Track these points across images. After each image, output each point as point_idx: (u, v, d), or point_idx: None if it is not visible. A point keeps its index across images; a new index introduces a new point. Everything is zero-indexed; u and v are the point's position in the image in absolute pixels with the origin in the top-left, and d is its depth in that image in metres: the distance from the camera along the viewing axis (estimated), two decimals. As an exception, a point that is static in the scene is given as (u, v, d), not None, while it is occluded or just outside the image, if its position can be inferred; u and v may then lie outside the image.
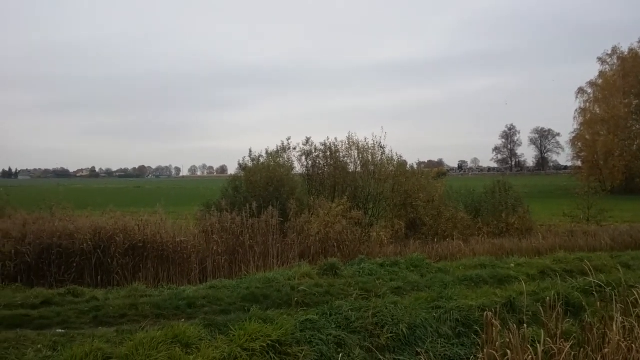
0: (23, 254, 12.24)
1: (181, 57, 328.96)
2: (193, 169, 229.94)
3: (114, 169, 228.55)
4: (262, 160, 20.00)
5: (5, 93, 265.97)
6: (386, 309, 7.50)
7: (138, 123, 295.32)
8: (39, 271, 12.32)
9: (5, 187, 27.27)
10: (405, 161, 21.58)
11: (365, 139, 20.56)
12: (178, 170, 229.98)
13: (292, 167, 20.34)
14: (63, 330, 7.09)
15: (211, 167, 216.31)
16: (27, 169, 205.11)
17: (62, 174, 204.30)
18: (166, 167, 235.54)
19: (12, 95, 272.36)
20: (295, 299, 8.57)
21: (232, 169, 25.44)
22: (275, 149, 20.27)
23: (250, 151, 20.22)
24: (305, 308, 7.99)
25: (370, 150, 20.37)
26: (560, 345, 5.68)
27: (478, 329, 6.98)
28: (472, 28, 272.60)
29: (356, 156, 20.39)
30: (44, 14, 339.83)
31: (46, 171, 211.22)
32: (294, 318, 7.10)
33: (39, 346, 6.10)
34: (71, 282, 11.55)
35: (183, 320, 7.42)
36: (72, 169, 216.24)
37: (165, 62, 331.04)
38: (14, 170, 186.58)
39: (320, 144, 20.19)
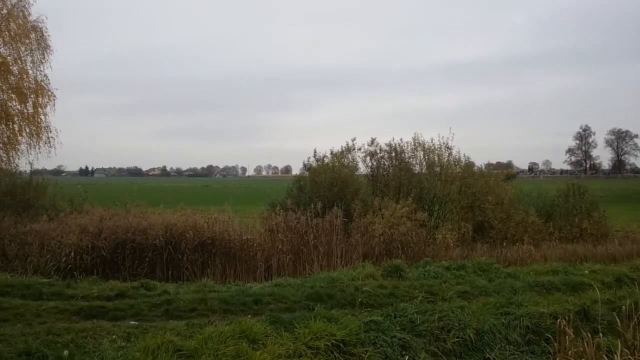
0: (99, 248, 12.85)
1: (249, 61, 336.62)
2: (258, 169, 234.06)
3: (184, 168, 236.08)
4: (326, 160, 20.08)
5: (83, 96, 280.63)
6: (453, 313, 7.34)
7: (207, 124, 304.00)
8: (114, 265, 12.90)
9: (82, 184, 28.74)
10: (473, 162, 21.04)
11: (432, 139, 20.23)
12: (244, 170, 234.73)
13: (356, 168, 20.30)
14: (136, 322, 7.37)
15: (276, 167, 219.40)
16: (102, 168, 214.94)
17: (135, 172, 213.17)
18: (233, 166, 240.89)
19: (90, 98, 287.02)
20: (360, 299, 8.54)
21: (296, 169, 25.71)
22: (339, 150, 20.30)
23: (315, 152, 20.36)
24: (369, 309, 7.95)
25: (436, 151, 20.02)
26: (638, 357, 5.37)
27: (550, 336, 6.73)
28: (544, 27, 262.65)
29: (422, 157, 20.09)
30: (117, 21, 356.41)
31: (120, 170, 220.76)
32: (358, 318, 7.07)
33: (113, 336, 6.36)
34: (143, 276, 12.02)
35: (249, 316, 7.54)
36: (144, 168, 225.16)
37: (233, 65, 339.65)
38: (90, 169, 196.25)
39: (385, 144, 20.03)
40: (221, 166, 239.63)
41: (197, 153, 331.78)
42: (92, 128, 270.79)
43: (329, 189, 18.25)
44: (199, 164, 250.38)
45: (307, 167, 20.73)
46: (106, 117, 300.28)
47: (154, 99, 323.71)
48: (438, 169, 20.05)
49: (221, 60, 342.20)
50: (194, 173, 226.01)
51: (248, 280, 12.76)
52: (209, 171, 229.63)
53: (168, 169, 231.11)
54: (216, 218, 14.64)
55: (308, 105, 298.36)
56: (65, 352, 5.56)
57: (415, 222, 15.87)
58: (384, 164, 19.97)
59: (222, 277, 12.99)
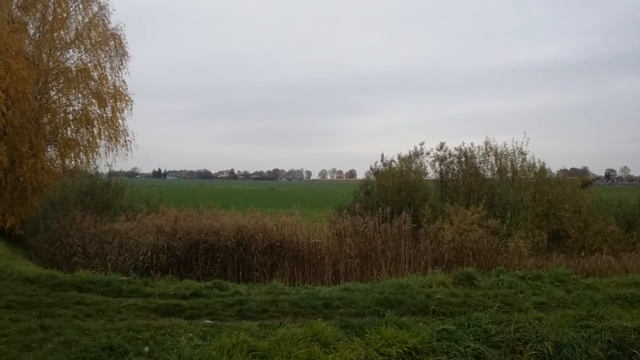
0: (174, 248, 13.33)
1: (314, 66, 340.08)
2: (323, 173, 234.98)
3: (251, 171, 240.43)
4: (394, 165, 19.90)
5: (156, 102, 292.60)
6: (529, 324, 7.08)
7: (273, 128, 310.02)
8: (188, 264, 13.33)
9: (157, 186, 29.87)
10: (548, 168, 20.18)
11: (505, 144, 19.60)
12: (309, 173, 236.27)
13: (424, 173, 19.97)
14: (211, 321, 7.56)
15: (340, 172, 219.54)
16: (174, 170, 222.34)
17: (204, 175, 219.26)
18: (298, 170, 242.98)
19: (162, 103, 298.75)
20: (432, 307, 8.39)
21: (360, 174, 25.68)
22: (407, 154, 20.06)
23: (382, 156, 20.21)
24: (441, 317, 7.78)
25: (509, 157, 19.38)
26: None
27: (635, 352, 6.39)
28: (621, 27, 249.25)
29: (493, 162, 19.50)
30: (186, 30, 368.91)
31: (191, 172, 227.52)
32: (430, 326, 6.95)
33: (190, 335, 6.54)
34: (215, 276, 12.34)
35: (320, 319, 7.57)
36: (213, 171, 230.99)
37: (297, 71, 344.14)
38: (163, 171, 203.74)
39: (455, 149, 19.57)
40: (286, 170, 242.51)
41: (264, 157, 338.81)
42: (165, 132, 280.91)
43: (396, 194, 18.06)
44: (265, 167, 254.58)
45: (374, 171, 20.63)
46: (178, 122, 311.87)
47: (222, 105, 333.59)
48: (510, 175, 19.41)
49: (286, 65, 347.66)
50: (260, 176, 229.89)
51: (316, 283, 12.83)
52: (275, 174, 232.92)
53: (235, 172, 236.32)
54: (284, 221, 14.84)
55: (375, 109, 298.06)
56: (146, 349, 5.77)
57: (487, 229, 15.43)
58: (454, 169, 19.54)
59: (291, 280, 13.14)
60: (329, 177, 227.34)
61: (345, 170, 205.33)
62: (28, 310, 7.63)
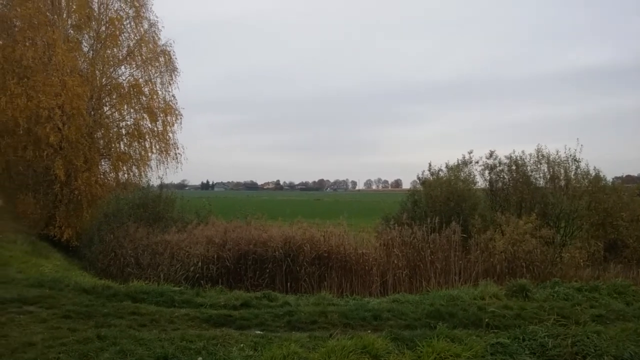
0: (224, 258, 13.52)
1: (359, 76, 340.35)
2: (368, 183, 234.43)
3: (296, 182, 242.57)
4: (441, 174, 19.64)
5: (203, 115, 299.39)
6: (588, 338, 6.78)
7: (318, 139, 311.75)
8: (237, 275, 13.50)
9: (206, 197, 30.45)
10: (603, 176, 19.43)
11: (557, 151, 19.03)
12: (354, 183, 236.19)
13: (473, 182, 19.62)
14: (261, 332, 7.60)
15: (386, 181, 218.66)
16: (221, 182, 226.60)
17: (251, 186, 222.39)
18: (343, 180, 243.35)
19: (209, 116, 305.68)
20: (486, 320, 8.19)
21: (406, 184, 25.47)
22: (455, 163, 19.76)
23: (430, 165, 20.01)
24: (494, 330, 7.58)
25: (562, 164, 18.78)
26: None
27: None
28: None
29: (546, 170, 18.94)
30: (231, 44, 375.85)
31: (238, 184, 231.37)
32: (484, 340, 6.76)
33: (241, 345, 6.58)
34: (264, 287, 12.45)
35: (369, 331, 7.50)
36: (259, 182, 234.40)
37: (342, 81, 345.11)
38: (211, 183, 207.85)
39: (505, 157, 19.14)
40: (332, 180, 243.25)
41: (309, 167, 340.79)
42: (212, 144, 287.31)
43: (445, 204, 17.80)
44: (311, 178, 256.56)
45: (421, 181, 20.42)
46: (224, 134, 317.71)
47: (268, 117, 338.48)
48: (563, 183, 18.81)
49: (334, 75, 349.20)
50: (305, 187, 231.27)
51: (364, 294, 12.76)
52: (320, 185, 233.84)
53: (281, 182, 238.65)
54: (332, 231, 14.84)
55: (421, 119, 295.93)
56: (200, 359, 5.84)
57: (540, 240, 14.98)
58: (504, 178, 19.09)
59: (339, 291, 13.12)
60: (374, 187, 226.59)
61: (390, 180, 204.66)
62: (85, 320, 7.85)
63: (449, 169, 19.63)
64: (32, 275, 11.45)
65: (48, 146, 21.71)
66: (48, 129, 21.18)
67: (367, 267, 14.10)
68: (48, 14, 23.22)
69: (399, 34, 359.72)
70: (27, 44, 22.28)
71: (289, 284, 13.27)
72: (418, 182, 20.94)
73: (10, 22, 23.06)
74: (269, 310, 8.92)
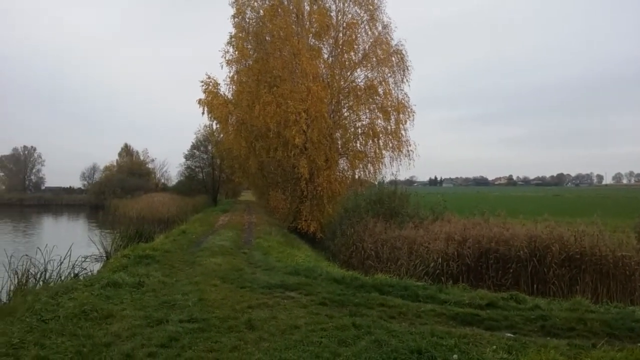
0: (464, 256, 13.26)
1: (608, 60, 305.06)
2: (618, 177, 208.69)
3: (531, 177, 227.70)
4: None
5: (434, 111, 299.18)
6: None
7: (556, 130, 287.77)
8: (478, 273, 13.12)
9: (440, 193, 30.35)
10: None
11: None
12: (600, 178, 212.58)
13: None
14: (512, 335, 7.22)
15: (639, 175, 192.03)
16: (449, 177, 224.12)
17: (481, 181, 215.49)
18: (587, 174, 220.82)
19: (440, 112, 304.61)
20: None
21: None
22: None
23: None
24: None
25: None
26: None
27: None
28: None
29: None
30: (468, 37, 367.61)
31: (466, 179, 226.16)
32: None
33: (494, 347, 6.31)
34: (508, 287, 11.87)
35: (639, 344, 6.58)
36: (490, 177, 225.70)
37: (593, 64, 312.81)
38: (438, 179, 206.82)
39: None
40: (573, 174, 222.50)
41: (546, 161, 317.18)
42: (440, 140, 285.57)
43: None
44: (548, 172, 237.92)
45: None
46: (454, 129, 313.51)
47: (500, 108, 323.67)
48: None
49: (572, 60, 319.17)
50: (542, 182, 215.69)
51: (624, 301, 11.30)
52: (559, 180, 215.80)
53: (514, 177, 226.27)
54: (583, 231, 13.48)
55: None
56: (455, 356, 5.76)
57: None
58: None
59: (594, 296, 11.86)
60: (624, 181, 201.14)
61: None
62: (339, 308, 8.38)
63: None
64: (289, 264, 12.69)
65: (294, 147, 23.97)
66: (294, 131, 23.38)
67: (627, 272, 12.48)
68: (293, 26, 25.63)
69: None
70: (276, 55, 24.93)
71: (535, 285, 12.42)
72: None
73: (262, 37, 26.03)
74: (518, 312, 8.44)
